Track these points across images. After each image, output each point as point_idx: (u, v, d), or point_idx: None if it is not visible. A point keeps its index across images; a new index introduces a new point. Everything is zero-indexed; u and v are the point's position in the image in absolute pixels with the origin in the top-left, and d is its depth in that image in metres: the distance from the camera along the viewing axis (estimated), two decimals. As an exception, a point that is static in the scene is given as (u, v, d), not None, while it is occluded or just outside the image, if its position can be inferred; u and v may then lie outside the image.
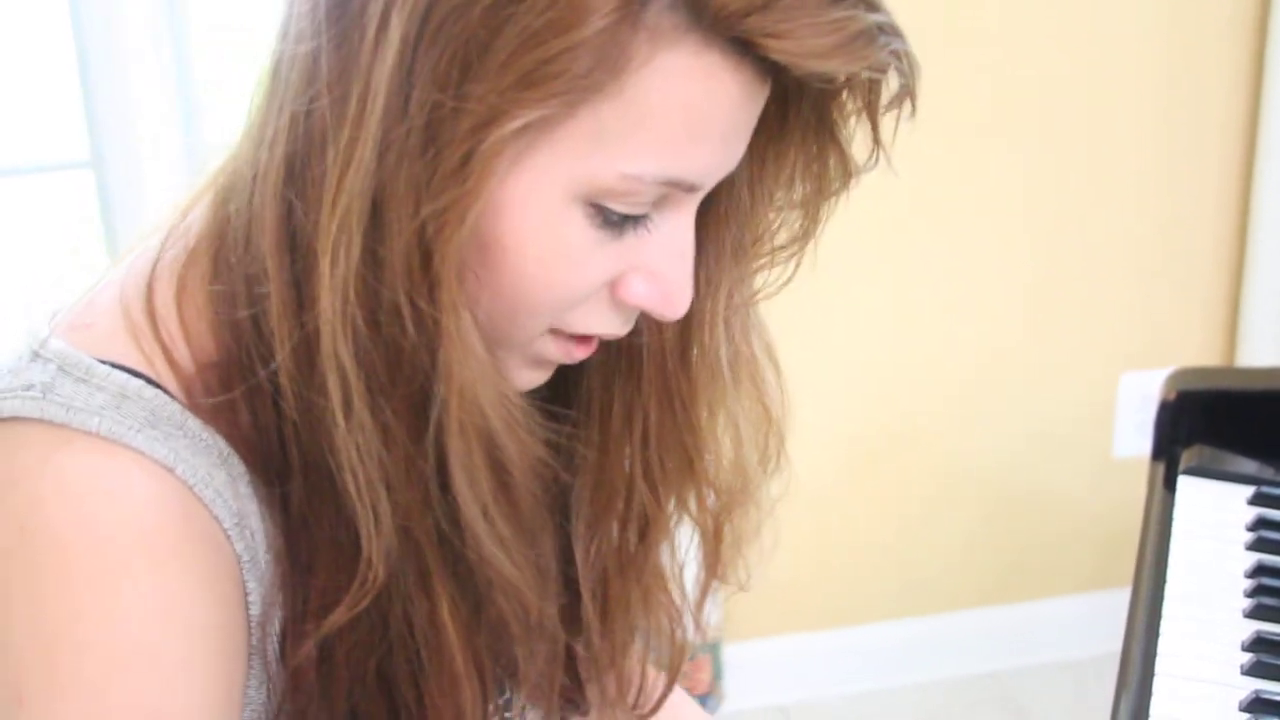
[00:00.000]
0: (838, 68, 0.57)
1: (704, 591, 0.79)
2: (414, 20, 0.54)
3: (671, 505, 0.75)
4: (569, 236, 0.59)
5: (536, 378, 0.67)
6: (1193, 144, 1.98)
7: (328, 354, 0.58)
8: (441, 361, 0.58)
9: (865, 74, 0.58)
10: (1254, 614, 0.87)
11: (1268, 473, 1.01)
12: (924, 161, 1.89)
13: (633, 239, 0.61)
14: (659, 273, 0.62)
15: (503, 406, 0.61)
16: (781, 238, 0.70)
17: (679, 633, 0.80)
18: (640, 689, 0.82)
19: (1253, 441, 1.03)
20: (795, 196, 0.68)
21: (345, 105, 0.56)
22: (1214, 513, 0.98)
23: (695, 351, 0.71)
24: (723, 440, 0.75)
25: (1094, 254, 2.00)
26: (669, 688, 0.82)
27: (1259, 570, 0.91)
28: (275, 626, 0.64)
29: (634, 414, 0.73)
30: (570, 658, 0.76)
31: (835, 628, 2.10)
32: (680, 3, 0.55)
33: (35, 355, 0.61)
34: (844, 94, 0.63)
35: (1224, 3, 1.91)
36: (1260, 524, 0.96)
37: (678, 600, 0.79)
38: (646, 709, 0.82)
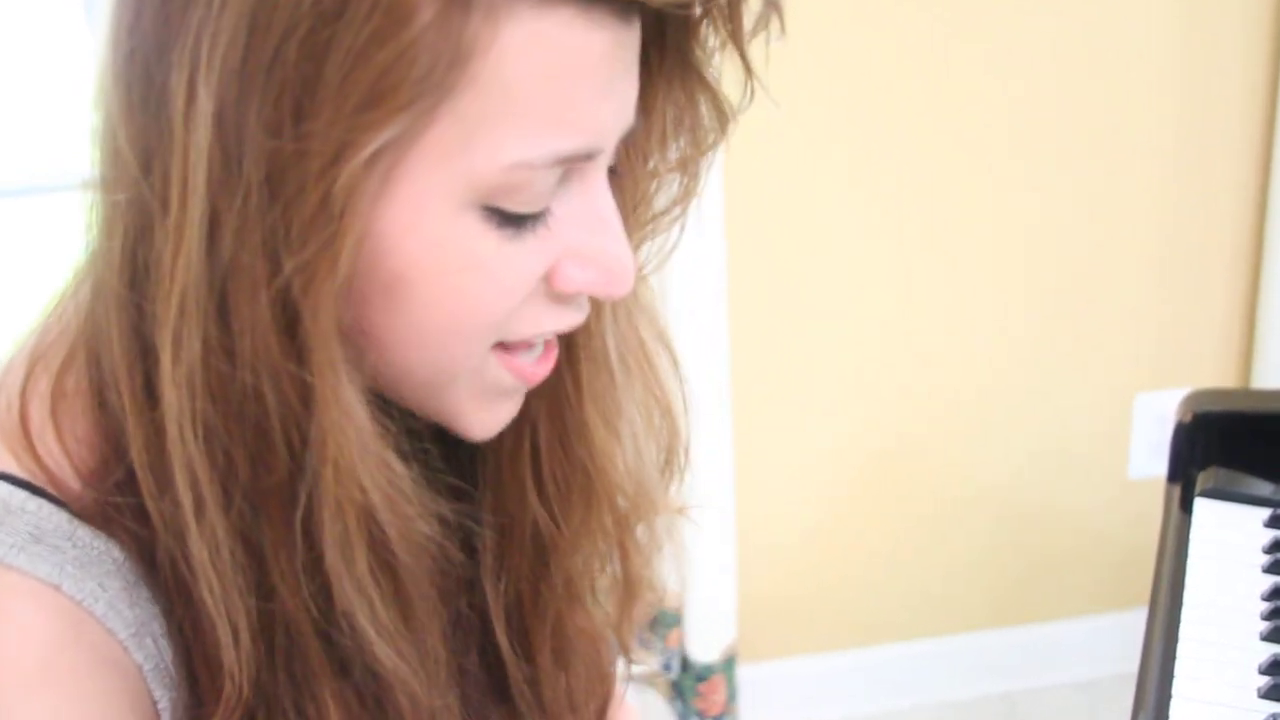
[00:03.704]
0: None
1: (621, 609, 0.75)
2: (226, 81, 0.50)
3: (574, 524, 0.70)
4: (474, 248, 0.54)
5: (504, 413, 0.62)
6: (1208, 163, 1.98)
7: (175, 455, 0.54)
8: (315, 431, 0.53)
9: None
10: (1271, 637, 0.87)
11: (1285, 495, 1.01)
12: (935, 176, 1.90)
13: (545, 230, 0.55)
14: (590, 251, 0.57)
15: (383, 476, 0.56)
16: (660, 202, 0.65)
17: (605, 659, 0.76)
18: None
19: (1270, 464, 1.03)
20: (671, 155, 0.63)
21: (167, 186, 0.51)
22: (1231, 535, 0.98)
23: (579, 344, 0.65)
24: (625, 445, 0.69)
25: (1108, 273, 2.00)
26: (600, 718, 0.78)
27: (1276, 593, 0.91)
28: None
29: (522, 431, 0.67)
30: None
31: (848, 648, 2.10)
32: None
33: None
34: (704, 29, 0.57)
35: (1239, 16, 1.92)
36: (1277, 546, 0.96)
37: (600, 625, 0.75)
38: None
